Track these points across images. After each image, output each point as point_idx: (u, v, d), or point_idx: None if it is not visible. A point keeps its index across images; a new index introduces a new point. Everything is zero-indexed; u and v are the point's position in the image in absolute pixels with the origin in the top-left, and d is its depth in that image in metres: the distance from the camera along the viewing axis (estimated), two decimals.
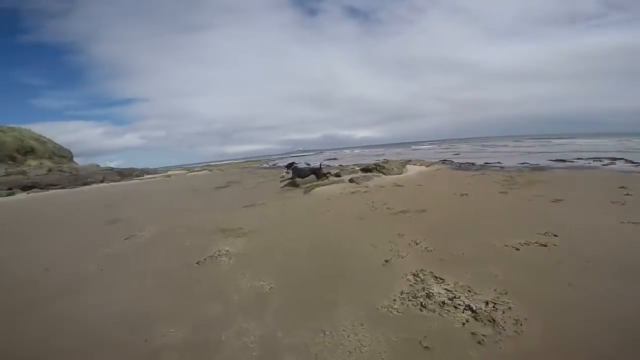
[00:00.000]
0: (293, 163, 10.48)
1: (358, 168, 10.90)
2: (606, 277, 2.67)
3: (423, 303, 2.48)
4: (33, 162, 25.08)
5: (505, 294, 2.51)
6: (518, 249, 3.40)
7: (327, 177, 9.58)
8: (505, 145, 31.35)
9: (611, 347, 1.89)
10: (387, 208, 5.69)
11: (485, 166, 12.81)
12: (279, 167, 24.14)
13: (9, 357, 2.33)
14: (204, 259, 3.86)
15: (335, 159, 34.21)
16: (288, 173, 10.04)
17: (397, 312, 2.43)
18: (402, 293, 2.67)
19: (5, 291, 3.48)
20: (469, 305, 2.37)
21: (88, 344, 2.38)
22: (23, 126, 28.93)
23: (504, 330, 2.10)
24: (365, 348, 2.07)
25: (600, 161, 12.04)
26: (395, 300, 2.58)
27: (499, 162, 13.94)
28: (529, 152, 20.24)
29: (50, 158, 27.77)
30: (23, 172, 20.24)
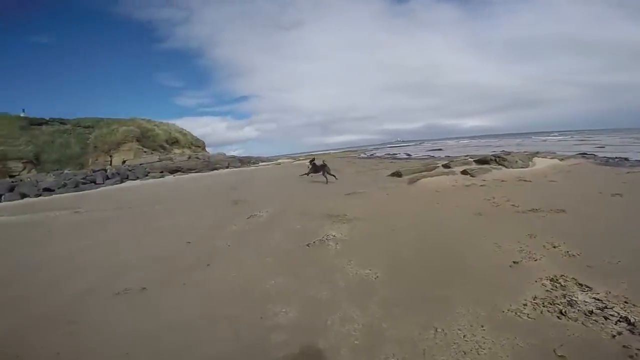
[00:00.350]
0: (314, 159, 11.52)
1: (472, 159, 9.86)
2: None
3: (563, 310, 2.20)
4: (177, 151, 30.67)
5: None
6: None
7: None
8: None
9: None
10: (512, 205, 5.02)
11: None
12: (377, 157, 23.95)
13: (143, 326, 2.55)
14: (314, 242, 4.08)
15: (440, 149, 31.92)
16: (309, 167, 11.03)
17: (528, 317, 2.18)
18: (535, 298, 2.39)
19: (155, 263, 4.01)
20: (626, 317, 2.05)
21: (207, 317, 2.60)
22: (169, 121, 35.63)
23: None
24: (484, 351, 1.91)
25: None
26: (525, 304, 2.32)
27: None
28: None
29: (189, 147, 33.46)
30: (170, 159, 25.01)
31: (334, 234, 4.29)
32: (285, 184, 11.37)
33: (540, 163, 9.59)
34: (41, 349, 2.30)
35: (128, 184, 17.58)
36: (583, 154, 13.32)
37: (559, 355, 1.80)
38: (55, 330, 2.54)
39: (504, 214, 4.62)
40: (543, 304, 2.30)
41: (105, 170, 19.85)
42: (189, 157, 26.15)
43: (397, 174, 9.28)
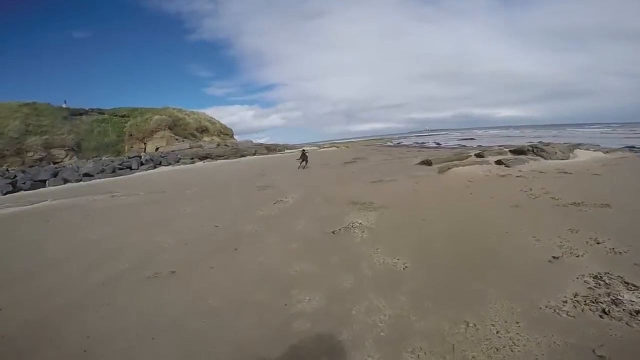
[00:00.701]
0: (304, 150, 13.88)
1: (506, 149, 9.37)
2: None
3: (606, 309, 2.05)
4: (207, 138, 31.57)
5: None
6: None
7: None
8: None
9: None
10: (552, 198, 4.70)
11: None
12: (404, 145, 23.52)
13: (170, 310, 2.59)
14: (339, 229, 4.03)
15: (472, 139, 30.72)
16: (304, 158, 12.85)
17: (568, 315, 2.05)
18: (575, 295, 2.24)
19: (184, 246, 4.11)
20: None
21: (232, 303, 2.63)
22: (199, 110, 36.58)
23: None
24: (517, 348, 1.81)
25: None
26: (565, 302, 2.18)
27: None
28: None
29: (218, 135, 34.30)
30: (200, 146, 25.76)
31: (360, 221, 4.22)
32: (310, 171, 11.38)
33: (582, 155, 8.94)
34: (73, 333, 2.40)
35: (160, 169, 18.33)
36: (631, 147, 12.29)
37: (599, 356, 1.69)
38: (87, 314, 2.65)
39: (542, 207, 4.34)
40: (585, 302, 2.15)
41: (140, 157, 20.80)
42: (218, 145, 26.82)
43: (427, 163, 9.00)
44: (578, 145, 10.12)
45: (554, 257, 2.81)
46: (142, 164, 19.16)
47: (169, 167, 18.86)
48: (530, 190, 5.29)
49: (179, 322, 2.42)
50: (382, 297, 2.46)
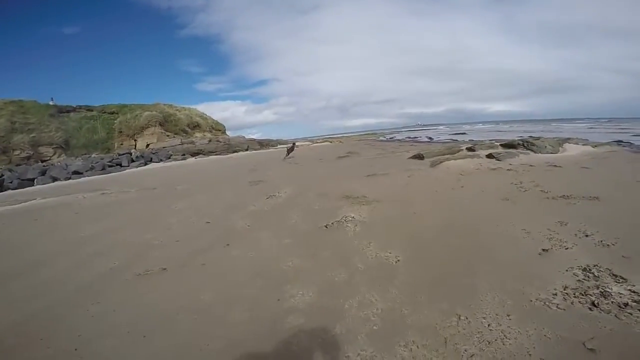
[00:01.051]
0: (294, 143, 16.23)
1: (497, 143, 9.47)
2: None
3: (595, 302, 2.07)
4: (198, 134, 31.16)
5: None
6: None
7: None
8: None
9: None
10: (542, 191, 4.76)
11: None
12: (397, 140, 23.71)
13: (162, 306, 2.58)
14: (332, 223, 4.03)
15: (464, 133, 30.98)
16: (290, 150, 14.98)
17: (558, 307, 2.07)
18: (565, 288, 2.26)
19: (175, 243, 4.06)
20: None
21: (224, 298, 2.62)
22: (191, 106, 36.15)
23: None
24: (509, 341, 1.83)
25: None
26: (555, 294, 2.20)
27: None
28: None
29: (210, 131, 33.87)
30: (192, 142, 25.45)
31: (352, 215, 4.22)
32: (304, 165, 11.33)
33: (571, 149, 9.07)
34: (63, 331, 2.37)
35: (151, 166, 18.08)
36: (618, 142, 12.50)
37: (589, 349, 1.71)
38: (78, 312, 2.62)
39: (532, 200, 4.39)
40: (574, 294, 2.17)
41: (130, 154, 20.48)
42: (210, 141, 26.54)
43: (419, 157, 9.04)
44: (567, 140, 10.27)
45: (543, 250, 2.85)
46: (132, 160, 18.86)
47: (160, 164, 18.61)
48: (521, 183, 5.35)
49: (171, 318, 2.40)
50: (375, 291, 2.46)
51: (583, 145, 9.77)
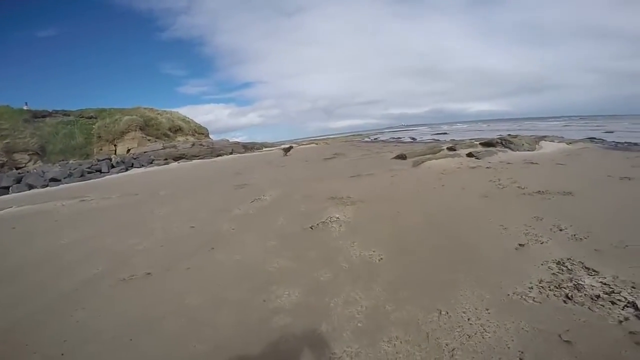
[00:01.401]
0: (291, 146, 17.52)
1: (477, 142, 9.74)
2: None
3: (569, 295, 2.16)
4: (181, 138, 30.61)
5: None
6: None
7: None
8: None
9: None
10: (518, 187, 4.94)
11: None
12: (381, 141, 24.34)
13: (147, 311, 2.53)
14: (317, 224, 4.06)
15: (446, 133, 31.63)
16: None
17: (534, 301, 2.15)
18: (540, 281, 2.35)
19: (159, 248, 4.02)
20: (634, 302, 2.00)
21: (210, 301, 2.61)
22: (172, 110, 35.56)
23: None
24: (488, 334, 1.89)
25: None
26: (531, 288, 2.29)
27: None
28: None
29: (192, 135, 33.34)
30: (174, 146, 24.97)
31: (337, 216, 4.27)
32: (290, 168, 11.32)
33: (547, 146, 9.44)
34: (48, 337, 2.33)
35: (133, 171, 17.65)
36: (591, 139, 13.06)
37: (565, 341, 1.77)
38: (62, 318, 2.57)
39: (510, 196, 4.56)
40: (549, 287, 2.26)
41: (110, 159, 19.96)
42: (193, 144, 26.11)
43: (402, 157, 9.20)
44: (544, 137, 10.68)
45: (520, 245, 2.96)
46: (112, 166, 18.38)
47: (142, 169, 18.19)
48: (499, 180, 5.53)
49: (157, 322, 2.37)
50: (359, 289, 2.51)
51: (558, 142, 10.18)
